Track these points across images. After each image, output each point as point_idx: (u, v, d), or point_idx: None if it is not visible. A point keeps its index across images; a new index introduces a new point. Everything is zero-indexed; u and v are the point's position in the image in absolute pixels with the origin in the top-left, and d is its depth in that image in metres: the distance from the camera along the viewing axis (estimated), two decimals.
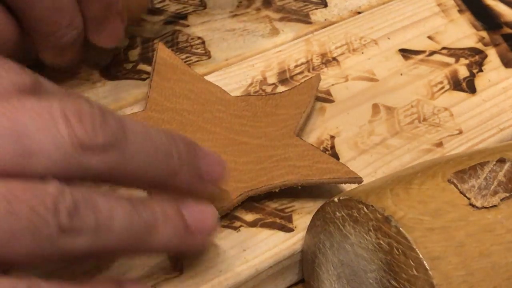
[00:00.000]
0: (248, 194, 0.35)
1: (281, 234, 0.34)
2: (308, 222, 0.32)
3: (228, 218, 0.35)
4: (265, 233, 0.34)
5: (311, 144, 0.37)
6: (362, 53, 0.46)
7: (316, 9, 0.50)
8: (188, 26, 0.47)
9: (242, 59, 0.45)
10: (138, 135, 0.27)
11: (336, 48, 0.46)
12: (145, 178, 0.28)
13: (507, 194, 0.29)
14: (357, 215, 0.29)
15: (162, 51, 0.42)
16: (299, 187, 0.35)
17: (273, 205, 0.35)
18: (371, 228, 0.28)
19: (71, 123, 0.25)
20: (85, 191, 0.26)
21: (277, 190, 0.35)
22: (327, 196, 0.36)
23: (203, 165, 0.30)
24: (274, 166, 0.36)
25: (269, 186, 0.35)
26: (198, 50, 0.45)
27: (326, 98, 0.42)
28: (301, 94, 0.40)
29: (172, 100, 0.39)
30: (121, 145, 0.26)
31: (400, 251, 0.27)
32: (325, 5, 0.50)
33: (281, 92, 0.41)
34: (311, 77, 0.42)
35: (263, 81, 0.43)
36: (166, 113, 0.39)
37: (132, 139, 0.27)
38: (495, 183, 0.29)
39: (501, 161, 0.30)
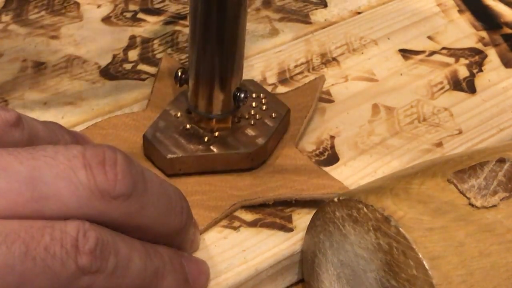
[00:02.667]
0: (242, 203, 0.35)
1: (280, 234, 0.34)
2: (307, 222, 0.32)
3: (228, 218, 0.35)
4: (264, 233, 0.34)
5: (309, 158, 0.37)
6: (362, 53, 0.46)
7: (316, 9, 0.50)
8: (188, 26, 0.47)
9: None
10: (155, 186, 0.27)
11: (336, 48, 0.46)
12: (158, 230, 0.28)
13: (507, 194, 0.29)
14: (357, 215, 0.29)
15: (166, 60, 0.42)
16: (293, 201, 0.35)
17: (273, 205, 0.35)
18: (371, 228, 0.28)
19: (92, 169, 0.25)
20: (108, 231, 0.26)
21: (271, 203, 0.35)
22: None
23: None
24: (270, 178, 0.36)
25: (263, 198, 0.35)
26: None
27: (326, 98, 0.42)
28: (304, 96, 0.40)
29: None
30: (140, 194, 0.26)
31: (399, 251, 0.27)
32: (325, 5, 0.50)
33: (284, 93, 0.41)
34: (316, 78, 0.42)
35: (263, 81, 0.43)
36: None
37: (150, 189, 0.27)
38: (495, 183, 0.29)
39: (501, 161, 0.30)
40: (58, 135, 0.30)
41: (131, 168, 0.26)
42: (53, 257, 0.24)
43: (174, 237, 0.29)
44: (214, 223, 0.34)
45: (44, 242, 0.24)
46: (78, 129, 0.38)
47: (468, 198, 0.29)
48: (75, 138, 0.32)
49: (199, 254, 0.32)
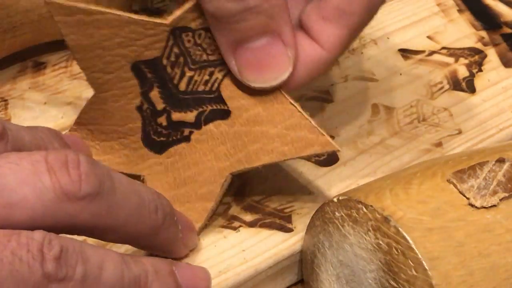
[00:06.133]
0: (232, 174, 0.34)
1: (280, 234, 0.34)
2: (307, 222, 0.32)
3: (228, 218, 0.35)
4: (264, 233, 0.34)
5: (284, 97, 0.33)
6: (362, 53, 0.46)
7: None
8: None
9: None
10: (124, 186, 0.27)
11: None
12: (129, 232, 0.28)
13: (506, 194, 0.29)
14: (356, 215, 0.29)
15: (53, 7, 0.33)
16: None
17: (273, 205, 0.35)
18: (370, 228, 0.28)
19: (55, 172, 0.25)
20: (74, 240, 0.25)
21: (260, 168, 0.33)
22: (326, 196, 0.36)
23: (180, 225, 0.30)
24: (249, 139, 0.33)
25: (250, 167, 0.33)
26: None
27: (325, 98, 0.42)
28: None
29: None
30: (107, 194, 0.26)
31: (399, 251, 0.27)
32: None
33: None
34: None
35: None
36: None
37: (118, 189, 0.27)
38: (494, 183, 0.29)
39: (500, 161, 0.30)
40: (46, 143, 0.30)
41: (95, 168, 0.26)
42: (20, 260, 0.24)
43: (153, 238, 0.29)
44: (212, 213, 0.34)
45: (11, 246, 0.24)
46: None
47: (468, 198, 0.29)
48: (66, 145, 0.32)
49: (198, 255, 0.33)
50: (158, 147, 0.35)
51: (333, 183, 0.37)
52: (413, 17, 0.49)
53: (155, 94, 0.34)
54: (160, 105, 0.34)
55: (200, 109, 0.34)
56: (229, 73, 0.33)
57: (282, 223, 0.35)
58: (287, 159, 0.33)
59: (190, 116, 0.34)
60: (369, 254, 0.29)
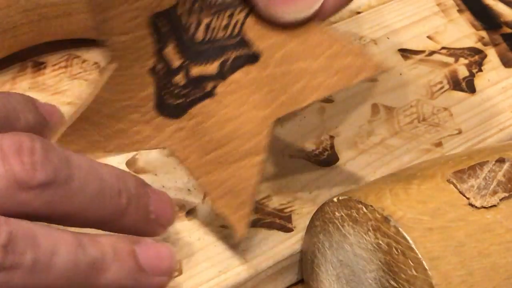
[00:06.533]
0: (273, 123, 0.30)
1: (280, 234, 0.34)
2: (307, 222, 0.32)
3: None
4: (264, 233, 0.34)
5: (319, 26, 0.30)
6: None
7: None
8: None
9: None
10: (84, 171, 0.26)
11: None
12: (89, 217, 0.27)
13: (506, 194, 0.29)
14: (356, 215, 0.29)
15: None
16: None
17: (273, 205, 0.35)
18: (370, 228, 0.28)
19: (8, 159, 0.25)
20: (24, 224, 0.24)
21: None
22: (326, 196, 0.36)
23: (153, 205, 0.29)
24: (288, 79, 0.30)
25: (297, 108, 0.30)
26: None
27: (325, 98, 0.42)
28: None
29: None
30: (63, 182, 0.25)
31: (399, 251, 0.27)
32: None
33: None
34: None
35: None
36: None
37: (76, 175, 0.26)
38: (494, 183, 0.29)
39: (500, 161, 0.30)
40: (18, 113, 0.29)
41: (51, 156, 0.25)
42: None
43: (117, 222, 0.28)
44: (264, 167, 0.31)
45: None
46: None
47: (468, 198, 0.29)
48: (40, 117, 0.31)
49: (198, 255, 0.33)
50: (176, 111, 0.31)
51: (333, 183, 0.37)
52: (413, 17, 0.49)
53: (170, 51, 0.31)
54: (176, 62, 0.31)
55: (222, 58, 0.31)
56: (251, 12, 0.30)
57: (282, 223, 0.35)
58: (337, 90, 0.30)
59: (211, 68, 0.31)
60: (369, 254, 0.29)
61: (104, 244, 0.26)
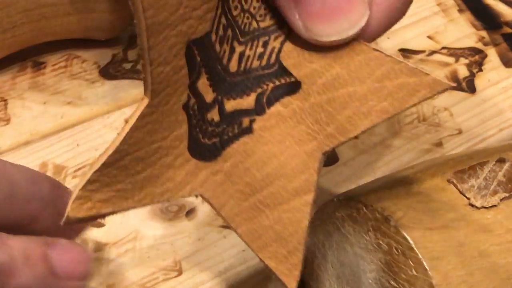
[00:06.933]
0: (324, 154, 0.28)
1: None
2: None
3: None
4: None
5: (365, 45, 0.27)
6: None
7: None
8: None
9: None
10: None
11: None
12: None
13: (507, 194, 0.29)
14: (357, 215, 0.29)
15: None
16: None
17: None
18: (371, 228, 0.28)
19: None
20: None
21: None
22: (326, 196, 0.36)
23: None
24: (335, 107, 0.27)
25: (347, 138, 0.27)
26: None
27: None
28: None
29: None
30: None
31: (399, 251, 0.27)
32: None
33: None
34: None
35: None
36: None
37: None
38: (495, 183, 0.29)
39: (501, 161, 0.30)
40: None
41: None
42: None
43: (30, 227, 0.26)
44: (314, 205, 0.28)
45: None
46: (77, 129, 0.38)
47: (468, 198, 0.29)
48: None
49: (198, 255, 0.32)
50: (210, 152, 0.28)
51: (333, 183, 0.37)
52: (413, 17, 0.49)
53: (203, 82, 0.27)
54: (209, 96, 0.28)
55: (259, 90, 0.28)
56: (288, 38, 0.27)
57: None
58: (392, 116, 0.27)
59: (247, 101, 0.28)
60: (369, 254, 0.29)
61: (13, 247, 0.25)
